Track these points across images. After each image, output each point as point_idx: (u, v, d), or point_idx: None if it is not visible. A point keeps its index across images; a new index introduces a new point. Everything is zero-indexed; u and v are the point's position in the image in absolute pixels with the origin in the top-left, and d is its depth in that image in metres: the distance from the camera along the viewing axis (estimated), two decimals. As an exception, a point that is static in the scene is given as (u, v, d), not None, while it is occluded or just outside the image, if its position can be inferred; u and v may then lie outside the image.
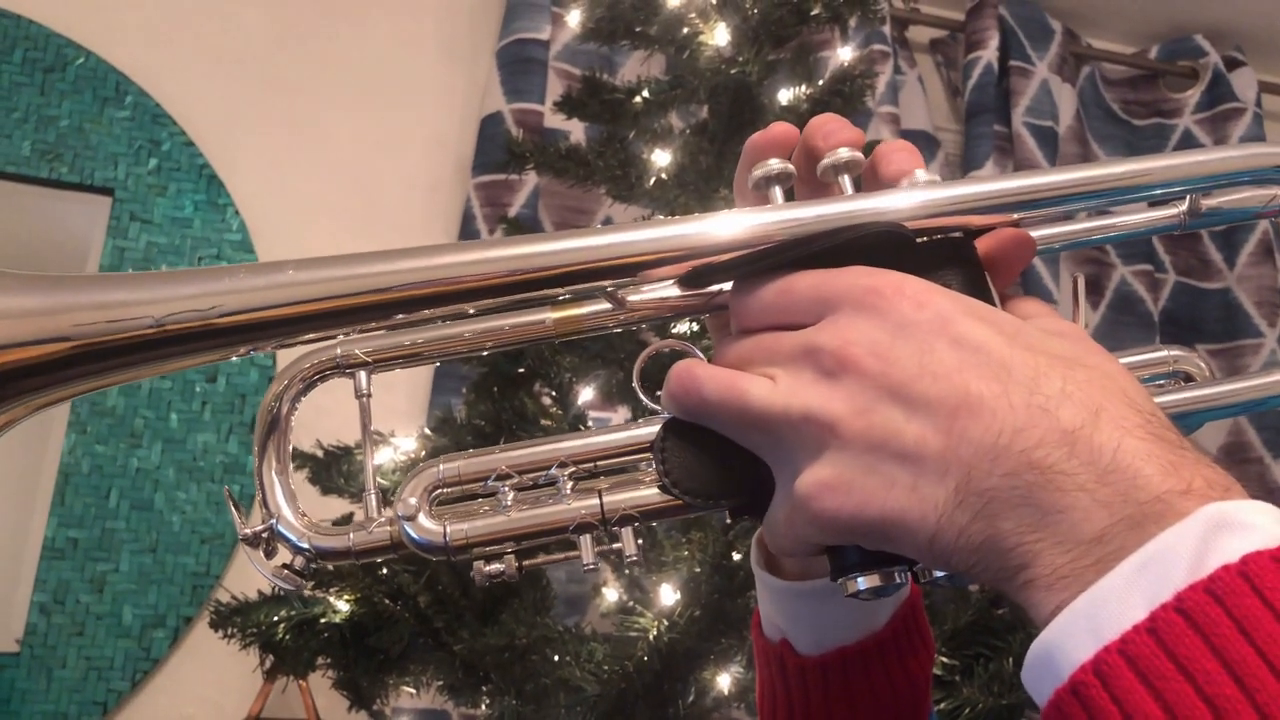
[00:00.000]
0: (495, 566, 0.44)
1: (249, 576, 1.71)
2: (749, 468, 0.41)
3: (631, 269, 0.42)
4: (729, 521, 1.26)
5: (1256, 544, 0.29)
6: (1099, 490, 0.32)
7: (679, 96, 1.56)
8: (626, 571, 1.38)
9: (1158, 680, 0.28)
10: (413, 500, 0.43)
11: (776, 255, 0.41)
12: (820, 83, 1.58)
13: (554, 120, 2.02)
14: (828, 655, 0.54)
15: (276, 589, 1.35)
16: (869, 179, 0.46)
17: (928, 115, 2.45)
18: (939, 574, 0.40)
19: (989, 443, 0.33)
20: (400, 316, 0.42)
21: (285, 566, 0.43)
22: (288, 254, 0.42)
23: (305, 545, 0.42)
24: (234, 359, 0.52)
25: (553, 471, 0.44)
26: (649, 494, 0.43)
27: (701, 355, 0.44)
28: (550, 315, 0.45)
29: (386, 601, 1.32)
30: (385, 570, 1.32)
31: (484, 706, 1.36)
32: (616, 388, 1.46)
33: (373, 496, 0.44)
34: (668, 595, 1.27)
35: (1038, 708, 0.32)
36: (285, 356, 0.44)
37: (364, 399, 0.44)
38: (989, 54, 2.45)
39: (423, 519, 0.42)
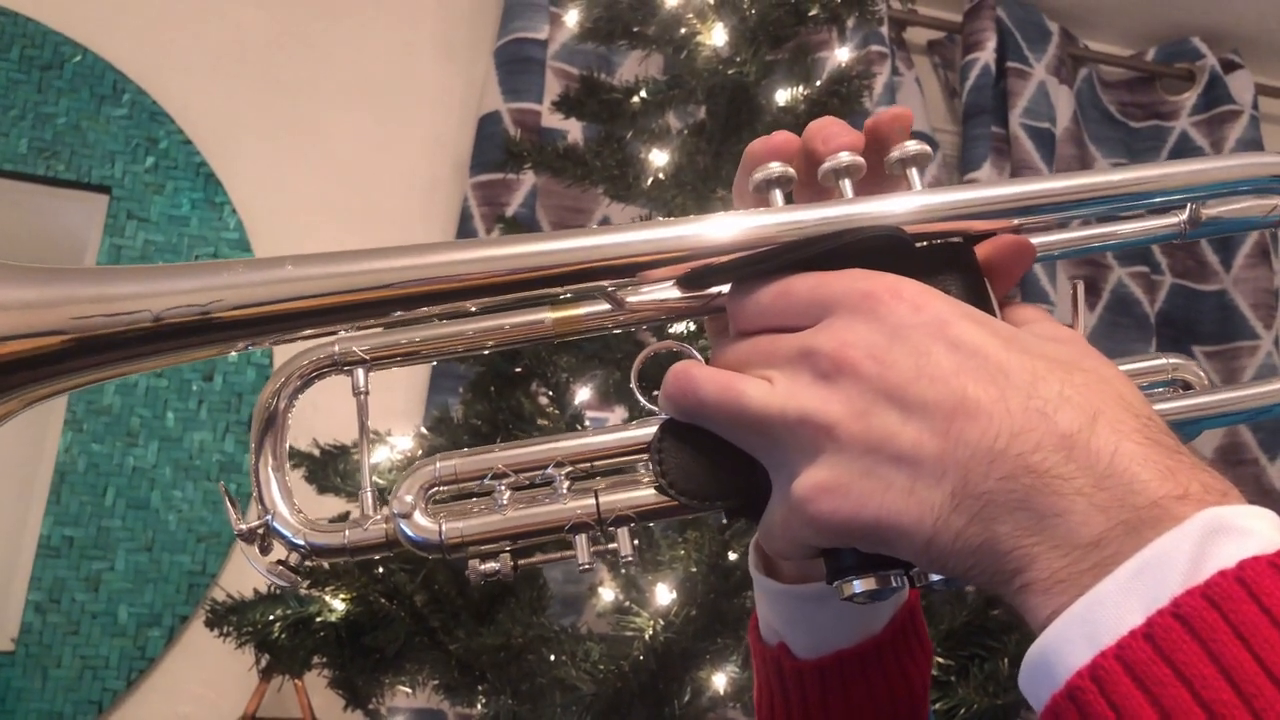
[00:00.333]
0: (490, 565, 0.44)
1: (245, 575, 1.70)
2: (746, 469, 0.41)
3: (631, 269, 0.42)
4: (725, 521, 1.27)
5: (1253, 549, 0.29)
6: (1096, 494, 0.31)
7: (677, 96, 1.56)
8: (622, 571, 1.37)
9: (1154, 686, 0.28)
10: (409, 498, 0.43)
11: (775, 258, 0.41)
12: (818, 83, 1.58)
13: (552, 120, 2.03)
14: (825, 659, 0.54)
15: (272, 587, 1.35)
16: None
17: (925, 116, 2.45)
18: (935, 579, 0.39)
19: (986, 446, 0.33)
20: (399, 313, 0.42)
21: (280, 563, 0.43)
22: (285, 253, 0.42)
23: (300, 541, 0.42)
24: (231, 355, 0.52)
25: (549, 471, 0.44)
26: (645, 494, 0.43)
27: (699, 356, 0.44)
28: (549, 315, 0.45)
29: (382, 601, 1.31)
30: (381, 569, 1.32)
31: (480, 706, 1.36)
32: (614, 388, 1.46)
33: (369, 494, 0.44)
34: (664, 595, 1.27)
35: (1033, 709, 0.32)
36: (282, 355, 0.44)
37: (361, 396, 0.44)
38: (986, 55, 2.45)
39: (418, 516, 0.42)
